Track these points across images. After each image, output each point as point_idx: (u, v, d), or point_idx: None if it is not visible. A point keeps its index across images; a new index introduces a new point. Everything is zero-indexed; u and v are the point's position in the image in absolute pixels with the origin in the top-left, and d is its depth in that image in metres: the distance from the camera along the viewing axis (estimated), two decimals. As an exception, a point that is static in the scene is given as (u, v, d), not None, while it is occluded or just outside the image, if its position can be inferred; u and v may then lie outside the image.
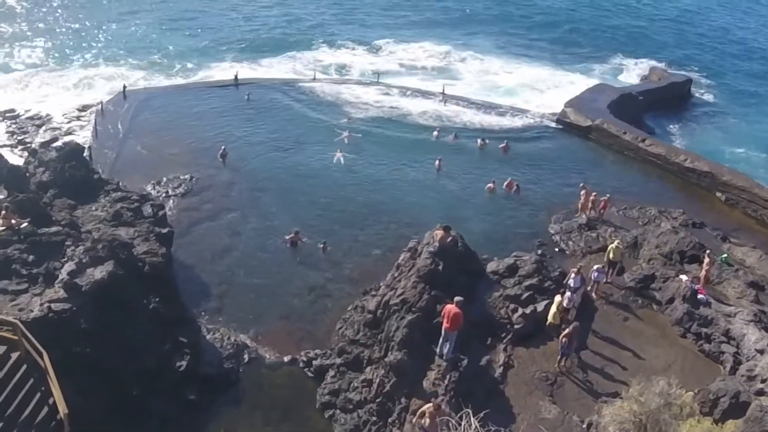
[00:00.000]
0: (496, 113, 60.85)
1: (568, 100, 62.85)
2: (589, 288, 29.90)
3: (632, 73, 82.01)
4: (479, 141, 53.39)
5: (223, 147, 47.00)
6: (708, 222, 40.90)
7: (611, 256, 31.66)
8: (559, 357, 25.97)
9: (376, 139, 53.10)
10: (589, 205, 40.58)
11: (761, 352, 25.87)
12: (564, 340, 25.39)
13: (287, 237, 38.10)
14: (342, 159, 48.06)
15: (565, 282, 28.95)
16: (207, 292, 33.95)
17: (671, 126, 66.47)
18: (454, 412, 19.49)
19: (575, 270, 28.77)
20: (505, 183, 45.51)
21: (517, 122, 59.18)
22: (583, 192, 41.23)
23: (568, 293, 27.93)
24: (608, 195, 41.29)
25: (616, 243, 32.11)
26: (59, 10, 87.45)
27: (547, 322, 27.68)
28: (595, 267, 30.20)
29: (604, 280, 30.62)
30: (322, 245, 37.67)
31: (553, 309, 27.56)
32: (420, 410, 21.86)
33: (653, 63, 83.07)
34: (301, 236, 38.31)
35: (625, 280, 31.98)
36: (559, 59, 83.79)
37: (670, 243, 34.64)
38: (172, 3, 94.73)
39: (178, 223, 38.26)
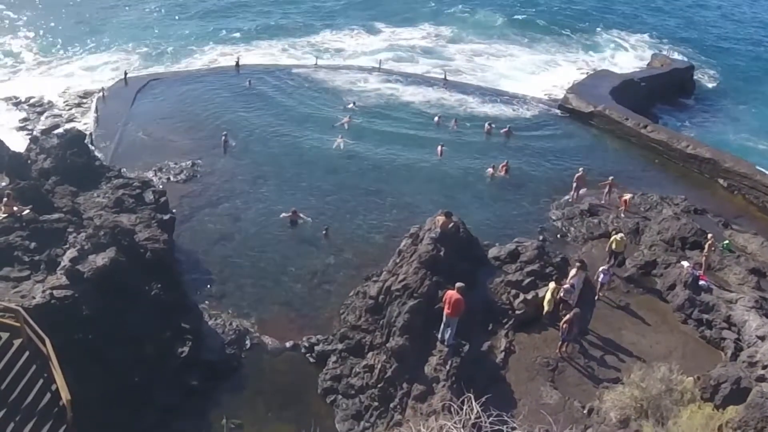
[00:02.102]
0: (497, 99, 60.70)
1: (570, 86, 62.96)
2: (597, 293, 29.56)
3: (630, 54, 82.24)
4: (486, 126, 53.45)
5: (225, 134, 46.87)
6: (710, 208, 40.83)
7: (614, 246, 31.57)
8: (560, 343, 26.02)
9: (377, 125, 53.07)
10: (606, 190, 41.04)
11: (762, 338, 25.91)
12: (564, 326, 25.45)
13: (284, 215, 38.33)
14: (342, 145, 48.02)
15: (567, 281, 28.48)
16: (208, 279, 33.97)
17: (674, 113, 66.19)
18: (455, 398, 19.55)
19: (578, 267, 28.70)
20: (501, 165, 45.57)
21: (519, 108, 59.05)
22: (576, 176, 41.67)
23: (566, 286, 27.92)
24: (611, 178, 41.26)
25: (620, 235, 31.94)
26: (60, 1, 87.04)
27: (544, 311, 27.75)
28: (601, 269, 29.54)
29: (609, 280, 29.94)
30: (324, 231, 37.70)
31: (548, 296, 27.63)
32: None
33: (649, 41, 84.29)
34: (299, 213, 38.55)
35: (627, 269, 31.99)
36: (553, 41, 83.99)
37: (671, 229, 34.64)
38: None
39: (179, 209, 38.27)
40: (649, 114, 60.29)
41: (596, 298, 29.34)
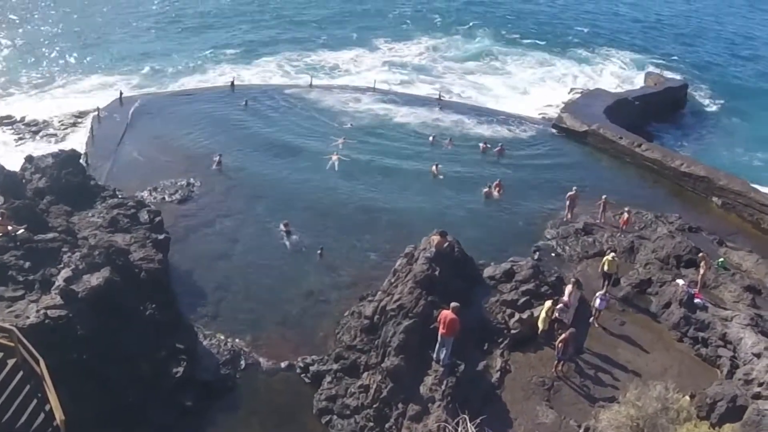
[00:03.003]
0: (492, 119, 60.79)
1: (564, 105, 63.22)
2: (591, 319, 29.21)
3: (623, 72, 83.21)
4: (481, 144, 53.78)
5: (219, 155, 46.90)
6: (704, 226, 40.94)
7: (606, 268, 31.21)
8: (555, 362, 25.97)
9: (372, 144, 53.21)
10: (600, 209, 41.07)
11: (758, 355, 25.90)
12: (560, 345, 25.40)
13: (279, 229, 39.27)
14: (337, 164, 48.09)
15: (562, 300, 28.43)
16: (203, 298, 33.91)
17: (669, 129, 66.56)
18: (450, 418, 19.49)
19: (572, 284, 28.77)
20: (494, 184, 45.70)
21: (514, 128, 59.19)
22: (568, 195, 41.84)
23: (561, 305, 27.88)
24: (605, 197, 41.29)
25: (611, 255, 31.61)
26: (54, 20, 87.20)
27: (539, 330, 27.72)
28: (598, 294, 29.16)
29: (606, 306, 29.42)
30: (319, 251, 37.71)
31: (542, 315, 27.60)
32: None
33: (642, 59, 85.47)
34: (290, 226, 39.32)
35: (622, 287, 31.97)
36: (546, 60, 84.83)
37: (666, 248, 34.71)
38: (167, 10, 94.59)
39: (174, 229, 38.19)
40: (644, 132, 60.57)
41: (591, 320, 29.05)
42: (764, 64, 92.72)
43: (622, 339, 28.37)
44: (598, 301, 28.70)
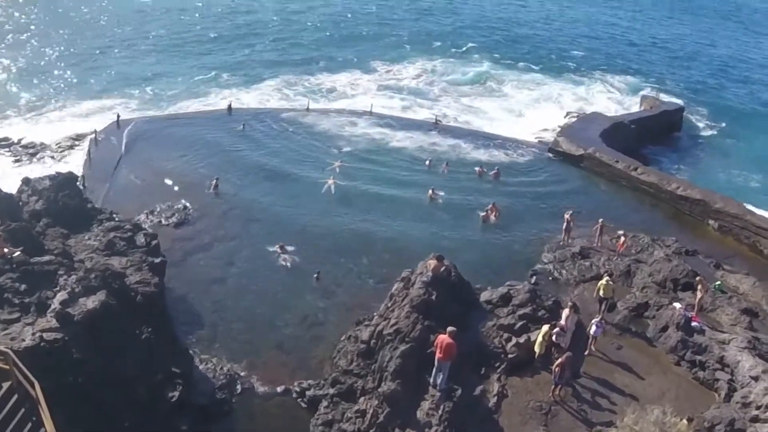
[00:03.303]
0: (488, 143, 61.05)
1: (560, 129, 63.46)
2: (586, 350, 28.71)
3: (618, 96, 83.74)
4: (477, 169, 54.10)
5: (215, 179, 46.97)
6: (701, 249, 40.99)
7: (602, 293, 31.00)
8: (552, 386, 25.89)
9: (368, 169, 53.33)
10: (597, 233, 41.08)
11: (756, 378, 25.88)
12: (557, 369, 25.33)
13: (274, 249, 39.52)
14: (333, 188, 48.17)
15: (559, 325, 28.18)
16: (200, 322, 33.82)
17: (665, 154, 66.80)
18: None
19: (569, 308, 28.64)
20: (489, 208, 45.89)
21: (510, 152, 59.36)
22: (566, 217, 41.81)
23: (557, 329, 27.78)
24: (601, 220, 41.34)
25: (605, 279, 31.40)
26: (53, 42, 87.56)
27: (536, 354, 27.65)
28: (594, 321, 28.75)
29: (602, 333, 29.02)
30: (316, 275, 37.64)
31: (539, 339, 27.53)
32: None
33: (637, 82, 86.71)
34: (286, 247, 39.69)
35: (619, 311, 31.93)
36: (540, 83, 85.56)
37: (663, 271, 34.76)
38: (164, 34, 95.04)
39: (171, 252, 38.15)
40: (640, 155, 60.82)
41: (586, 353, 28.55)
42: (759, 87, 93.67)
43: (619, 363, 28.28)
44: (593, 327, 28.38)
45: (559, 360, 25.37)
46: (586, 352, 28.48)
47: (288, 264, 38.93)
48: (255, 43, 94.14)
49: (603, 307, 31.28)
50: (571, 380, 26.44)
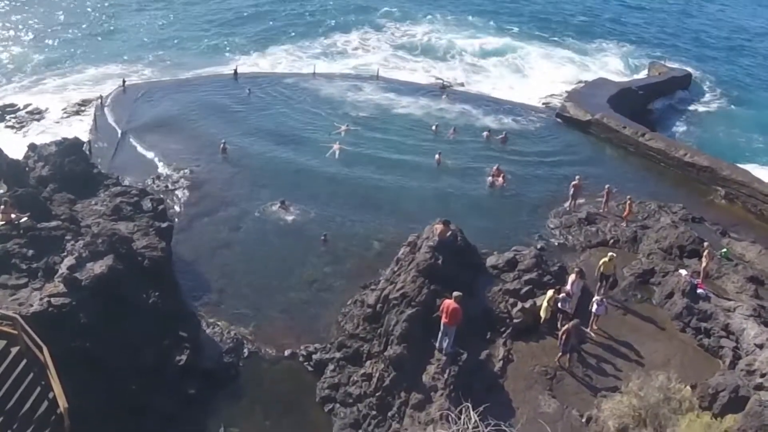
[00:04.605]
0: (495, 108, 60.61)
1: (568, 94, 63.02)
2: (590, 326, 28.09)
3: (625, 62, 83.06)
4: (485, 133, 53.96)
5: (223, 141, 46.91)
6: (708, 217, 40.82)
7: (602, 269, 30.19)
8: (559, 354, 25.91)
9: (375, 133, 53.03)
10: (604, 199, 40.97)
11: (760, 346, 25.87)
12: (563, 336, 25.35)
13: (276, 206, 40.11)
14: (338, 152, 48.10)
15: (564, 289, 27.98)
16: (206, 287, 33.94)
17: (673, 121, 66.50)
18: (453, 406, 19.51)
19: (575, 274, 28.48)
20: (493, 170, 45.92)
21: (517, 117, 58.99)
22: (572, 184, 41.59)
23: (563, 295, 27.69)
24: (608, 186, 41.24)
25: (609, 255, 30.68)
26: (62, 7, 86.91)
27: (542, 319, 27.66)
28: (595, 299, 28.10)
29: (605, 312, 28.30)
30: (323, 237, 37.70)
31: (545, 304, 27.53)
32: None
33: (643, 50, 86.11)
34: (288, 204, 40.14)
35: (624, 279, 31.89)
36: (547, 49, 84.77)
37: (669, 237, 34.63)
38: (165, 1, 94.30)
39: (177, 217, 38.32)
40: (646, 112, 61.11)
41: (588, 330, 27.87)
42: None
43: (624, 329, 28.32)
44: (595, 306, 27.76)
45: (565, 327, 25.35)
46: (587, 329, 27.92)
47: (289, 219, 39.33)
48: (263, 8, 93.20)
49: (605, 283, 30.47)
50: (577, 347, 26.46)
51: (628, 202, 39.00)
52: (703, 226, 38.14)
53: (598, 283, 30.50)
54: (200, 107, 55.15)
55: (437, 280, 27.56)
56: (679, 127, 64.34)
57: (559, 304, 27.46)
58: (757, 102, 73.72)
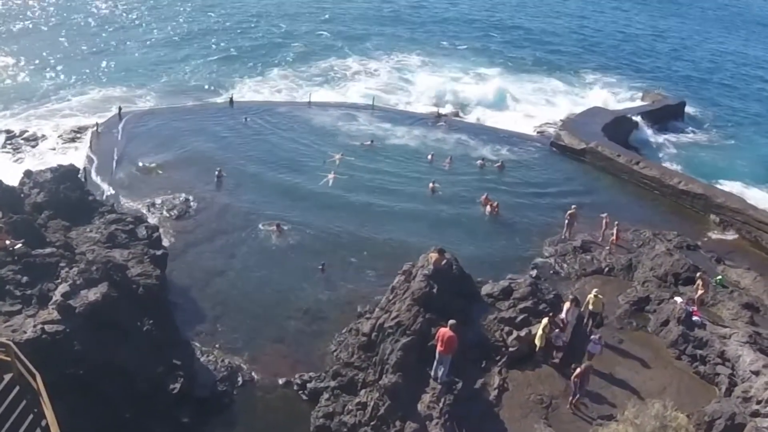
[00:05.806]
0: (491, 137, 60.84)
1: (562, 123, 63.36)
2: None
3: (618, 93, 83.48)
4: (479, 161, 54.25)
5: (219, 169, 47.05)
6: (702, 244, 40.96)
7: (591, 307, 29.64)
8: (571, 397, 25.50)
9: (369, 162, 53.11)
10: (603, 228, 41.08)
11: (756, 373, 25.85)
12: (575, 380, 24.92)
13: (268, 228, 40.57)
14: (331, 181, 48.21)
15: (558, 318, 28.15)
16: (201, 314, 33.82)
17: (666, 148, 66.79)
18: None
19: (570, 302, 28.41)
20: (483, 198, 46.13)
21: (512, 146, 59.14)
22: (568, 213, 41.74)
23: (556, 331, 27.58)
24: (606, 215, 41.40)
25: (594, 293, 29.91)
26: (59, 34, 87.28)
27: (537, 347, 27.57)
28: (592, 338, 27.25)
29: (600, 352, 27.29)
30: (321, 266, 37.70)
31: (539, 332, 27.47)
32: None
33: (636, 81, 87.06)
34: (282, 226, 40.63)
35: (619, 306, 31.87)
36: (540, 80, 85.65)
37: (664, 265, 34.72)
38: (166, 27, 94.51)
39: (172, 244, 38.23)
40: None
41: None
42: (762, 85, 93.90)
43: (619, 356, 28.30)
44: (591, 344, 27.03)
45: (578, 370, 24.77)
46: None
47: (284, 245, 39.70)
48: (259, 35, 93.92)
49: (592, 321, 29.73)
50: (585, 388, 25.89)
51: (616, 228, 39.19)
52: (698, 254, 38.21)
53: (584, 320, 29.75)
54: (196, 135, 55.19)
55: (432, 309, 27.55)
56: (669, 150, 65.15)
57: (553, 340, 27.39)
58: (745, 132, 74.76)
